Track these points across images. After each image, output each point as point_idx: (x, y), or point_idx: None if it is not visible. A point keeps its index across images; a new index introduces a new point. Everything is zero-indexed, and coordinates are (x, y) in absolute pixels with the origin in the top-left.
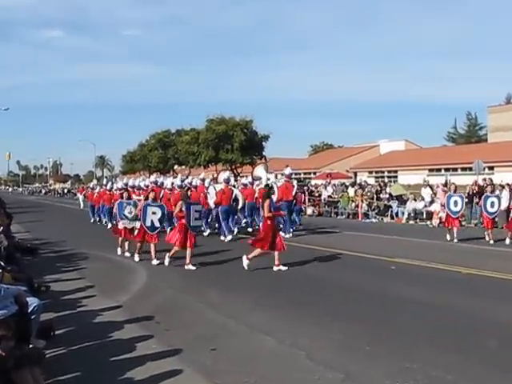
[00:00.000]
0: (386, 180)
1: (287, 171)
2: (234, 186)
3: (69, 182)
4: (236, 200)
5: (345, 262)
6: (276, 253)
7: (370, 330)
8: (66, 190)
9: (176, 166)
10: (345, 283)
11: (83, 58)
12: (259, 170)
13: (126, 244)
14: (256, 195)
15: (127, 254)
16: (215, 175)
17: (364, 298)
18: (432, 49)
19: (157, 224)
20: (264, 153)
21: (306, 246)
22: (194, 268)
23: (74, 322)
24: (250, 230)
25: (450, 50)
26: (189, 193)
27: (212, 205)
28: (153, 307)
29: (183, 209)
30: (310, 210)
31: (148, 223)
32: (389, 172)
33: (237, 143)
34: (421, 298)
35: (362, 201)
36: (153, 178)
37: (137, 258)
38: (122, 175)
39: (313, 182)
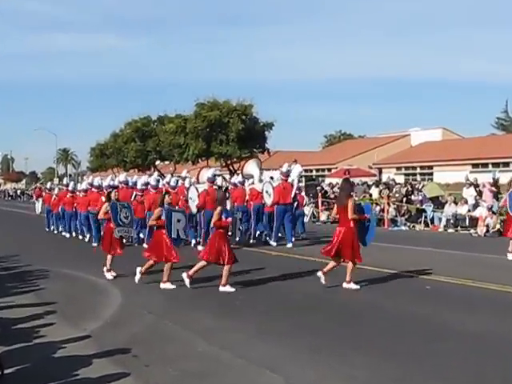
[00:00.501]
0: (419, 178)
1: (284, 168)
2: (221, 187)
3: (23, 182)
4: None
5: (365, 279)
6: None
7: (400, 366)
8: (19, 192)
9: (158, 162)
10: (365, 306)
11: (39, 26)
12: (250, 167)
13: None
14: (247, 197)
15: (112, 275)
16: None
17: (391, 325)
18: (477, 16)
19: (182, 235)
20: (267, 145)
21: (313, 259)
22: (172, 287)
23: (28, 357)
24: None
25: (497, 18)
26: (167, 197)
27: (194, 209)
28: (129, 337)
29: (162, 217)
30: (324, 216)
31: (174, 234)
32: (422, 168)
33: (233, 133)
34: (465, 325)
35: (389, 204)
36: (122, 176)
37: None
38: (90, 173)
39: (327, 181)
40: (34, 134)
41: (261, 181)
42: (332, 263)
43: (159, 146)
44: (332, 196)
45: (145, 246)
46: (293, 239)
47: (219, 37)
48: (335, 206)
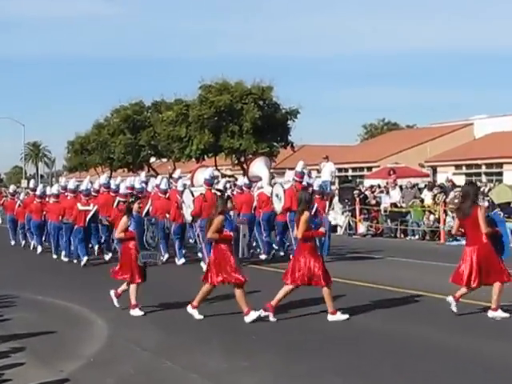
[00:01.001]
0: (484, 179)
1: (299, 167)
2: (222, 191)
3: None
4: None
5: (413, 306)
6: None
7: None
8: None
9: (153, 159)
10: (413, 339)
11: None
12: (257, 167)
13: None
14: (255, 203)
15: (138, 313)
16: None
17: (448, 368)
18: None
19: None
20: (290, 138)
21: (342, 281)
22: (140, 313)
23: None
24: (245, 255)
25: None
26: (136, 205)
27: (188, 217)
28: (117, 380)
29: (130, 228)
30: (362, 227)
31: (243, 253)
32: (488, 166)
33: (248, 122)
34: None
35: (446, 212)
36: (103, 178)
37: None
38: (67, 173)
39: (367, 183)
40: None
41: (271, 184)
42: (464, 289)
43: (154, 139)
44: (373, 202)
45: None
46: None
47: (228, 2)
48: (456, 219)
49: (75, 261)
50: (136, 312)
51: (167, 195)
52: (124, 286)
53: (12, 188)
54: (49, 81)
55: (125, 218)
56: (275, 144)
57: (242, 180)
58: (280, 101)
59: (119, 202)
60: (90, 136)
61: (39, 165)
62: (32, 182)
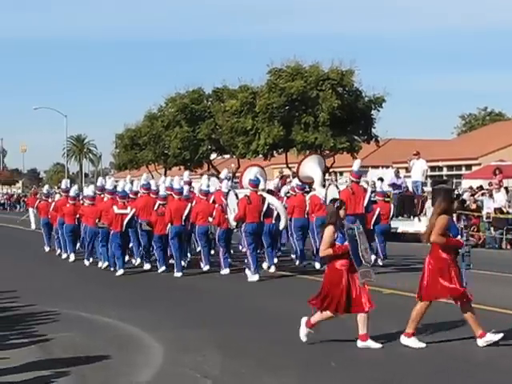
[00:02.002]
0: None
1: (355, 166)
2: (273, 192)
3: (19, 184)
4: (268, 214)
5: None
6: (359, 317)
7: None
8: (14, 197)
9: (214, 156)
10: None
11: None
12: (309, 167)
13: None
14: (307, 208)
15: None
16: (285, 173)
17: None
18: None
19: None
20: (374, 130)
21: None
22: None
23: None
24: (299, 263)
25: None
26: (341, 212)
27: (232, 222)
28: None
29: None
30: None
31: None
32: None
33: (324, 113)
34: None
35: None
36: (144, 178)
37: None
38: (115, 171)
39: (465, 184)
40: (33, 114)
41: (324, 186)
42: None
43: (216, 132)
44: (473, 207)
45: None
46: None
47: None
48: None
49: (112, 269)
50: (372, 344)
51: (212, 197)
52: (319, 316)
53: (46, 188)
54: (94, 66)
55: (330, 229)
56: (356, 138)
57: (294, 181)
58: (362, 87)
59: (160, 205)
60: (141, 129)
61: (83, 162)
62: (64, 182)
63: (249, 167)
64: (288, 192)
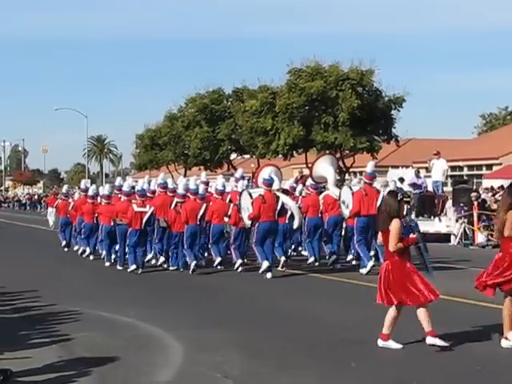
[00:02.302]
0: None
1: (369, 168)
2: (283, 192)
3: (40, 184)
4: (282, 213)
5: None
6: (420, 311)
7: None
8: (35, 197)
9: (234, 156)
10: None
11: None
12: (322, 167)
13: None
14: (321, 207)
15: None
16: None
17: None
18: None
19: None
20: (394, 130)
21: (460, 300)
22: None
23: None
24: (312, 262)
25: None
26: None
27: (247, 222)
28: None
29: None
30: (481, 237)
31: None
32: None
33: (344, 113)
34: None
35: None
36: (161, 177)
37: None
38: (135, 171)
39: (486, 184)
40: (54, 115)
41: (337, 186)
42: None
43: (235, 132)
44: (494, 207)
45: (171, 268)
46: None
47: None
48: None
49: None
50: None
51: (228, 197)
52: (389, 321)
53: (65, 188)
54: (115, 67)
55: (397, 222)
56: (376, 138)
57: (309, 180)
58: (382, 87)
59: (177, 203)
60: (161, 129)
61: (104, 162)
62: (83, 181)
63: (264, 167)
64: (303, 191)
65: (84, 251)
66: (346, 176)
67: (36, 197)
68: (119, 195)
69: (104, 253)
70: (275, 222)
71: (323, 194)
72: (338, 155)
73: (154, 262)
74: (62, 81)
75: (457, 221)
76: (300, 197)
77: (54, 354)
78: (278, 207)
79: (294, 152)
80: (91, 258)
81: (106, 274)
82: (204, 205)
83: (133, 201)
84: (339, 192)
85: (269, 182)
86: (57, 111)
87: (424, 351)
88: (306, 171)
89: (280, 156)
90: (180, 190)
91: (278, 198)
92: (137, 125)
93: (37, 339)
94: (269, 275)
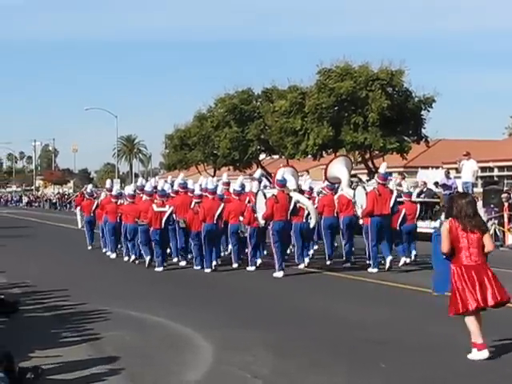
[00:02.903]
0: None
1: (382, 169)
2: (300, 192)
3: (70, 184)
4: (294, 212)
5: None
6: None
7: None
8: (66, 197)
9: (263, 156)
10: None
11: None
12: (336, 168)
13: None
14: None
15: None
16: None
17: None
18: None
19: None
20: (424, 131)
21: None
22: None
23: None
24: (328, 262)
25: None
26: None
27: (261, 221)
28: None
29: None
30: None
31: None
32: None
33: (374, 113)
34: None
35: None
36: (181, 177)
37: None
38: (164, 171)
39: None
40: (85, 115)
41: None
42: None
43: (265, 132)
44: None
45: (196, 268)
46: (405, 260)
47: None
48: None
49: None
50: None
51: (247, 197)
52: (473, 329)
53: (89, 188)
54: (145, 67)
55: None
56: (406, 138)
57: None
58: (412, 87)
59: (196, 203)
60: (190, 129)
61: (133, 162)
62: (108, 181)
63: (281, 168)
64: (320, 192)
65: (111, 250)
66: (375, 178)
67: (66, 196)
68: (141, 195)
69: (124, 250)
70: (288, 221)
71: (338, 195)
72: (368, 155)
73: (175, 260)
74: (93, 80)
75: (487, 222)
76: (317, 197)
77: (83, 352)
78: (291, 207)
79: (324, 152)
80: (113, 256)
81: (133, 273)
82: (222, 204)
83: (155, 200)
84: (353, 192)
85: (281, 183)
86: (87, 111)
87: (457, 352)
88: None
89: (309, 156)
90: (196, 191)
91: (290, 198)
92: (166, 125)
93: (67, 338)
94: (280, 274)
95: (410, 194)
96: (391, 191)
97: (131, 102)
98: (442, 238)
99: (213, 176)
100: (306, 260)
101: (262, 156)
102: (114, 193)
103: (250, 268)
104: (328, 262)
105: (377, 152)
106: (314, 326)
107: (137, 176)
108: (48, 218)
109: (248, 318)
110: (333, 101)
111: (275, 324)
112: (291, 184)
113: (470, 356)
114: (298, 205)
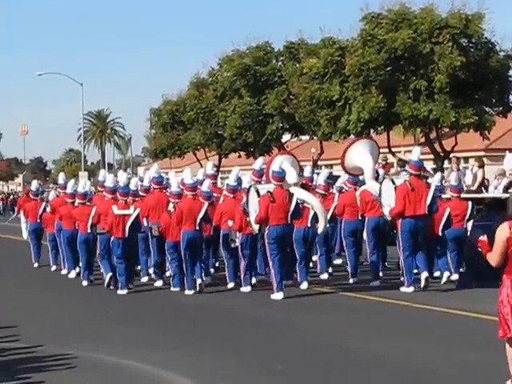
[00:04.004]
0: None
1: (415, 154)
2: (302, 187)
3: (19, 179)
4: (297, 214)
5: None
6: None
7: None
8: (12, 197)
9: (287, 136)
10: None
11: None
12: (357, 153)
13: None
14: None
15: None
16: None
17: None
18: None
19: None
20: None
21: None
22: None
23: None
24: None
25: None
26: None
27: (254, 226)
28: None
29: None
30: None
31: None
32: None
33: (442, 75)
34: None
35: None
36: (155, 170)
37: None
38: (150, 160)
39: None
40: (37, 84)
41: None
42: None
43: (289, 104)
44: None
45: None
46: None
47: None
48: None
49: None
50: None
51: (235, 195)
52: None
53: (34, 185)
54: (121, 19)
55: None
56: (488, 110)
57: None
58: (495, 38)
59: (174, 204)
60: (185, 101)
61: (106, 148)
62: (61, 175)
63: (276, 156)
64: (342, 188)
65: (68, 269)
66: (446, 163)
67: (13, 197)
68: (104, 193)
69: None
70: (288, 226)
71: (359, 191)
72: (434, 134)
73: (144, 279)
74: (48, 38)
75: None
76: (337, 194)
77: None
78: (292, 207)
79: (372, 130)
80: (73, 275)
81: (99, 300)
82: (206, 204)
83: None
84: (379, 187)
85: (279, 176)
86: (41, 77)
87: None
88: (391, 158)
89: (352, 136)
90: (173, 188)
91: (291, 195)
92: (152, 96)
93: None
94: (280, 296)
95: (458, 189)
96: (428, 185)
97: (102, 66)
98: (494, 246)
99: (217, 166)
100: (305, 284)
101: (285, 137)
102: (68, 190)
103: (245, 289)
104: (351, 281)
105: (446, 130)
106: (351, 367)
107: (111, 167)
108: None
109: (270, 362)
110: (384, 58)
111: (302, 368)
112: (291, 177)
113: None
114: (301, 204)
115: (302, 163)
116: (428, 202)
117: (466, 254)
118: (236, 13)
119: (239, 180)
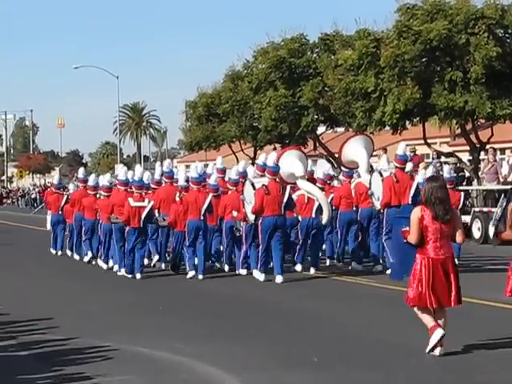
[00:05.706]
0: None
1: (400, 149)
2: (326, 181)
3: (55, 172)
4: (290, 206)
5: None
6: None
7: None
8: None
9: (322, 128)
10: None
11: None
12: (352, 148)
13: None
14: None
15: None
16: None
17: None
18: None
19: None
20: None
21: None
22: None
23: None
24: (357, 267)
25: None
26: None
27: (250, 216)
28: None
29: None
30: None
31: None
32: None
33: (478, 66)
34: None
35: None
36: (166, 164)
37: None
38: (185, 152)
39: None
40: (73, 77)
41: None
42: None
43: (324, 96)
44: None
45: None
46: None
47: None
48: None
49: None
50: None
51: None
52: None
53: (56, 178)
54: (156, 12)
55: None
56: None
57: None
58: None
59: (180, 196)
60: (220, 93)
61: (142, 140)
62: (81, 170)
63: (271, 152)
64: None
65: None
66: (482, 154)
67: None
68: (119, 186)
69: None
70: (281, 216)
71: (354, 183)
72: (470, 126)
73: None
74: (84, 31)
75: None
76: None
77: None
78: (285, 199)
79: (407, 122)
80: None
81: (130, 290)
82: (210, 196)
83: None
84: (369, 179)
85: (273, 170)
86: (77, 70)
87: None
88: (426, 149)
89: (387, 128)
90: (180, 182)
91: (284, 188)
92: (187, 88)
93: None
94: (262, 277)
95: (451, 180)
96: (412, 177)
97: (138, 59)
98: (411, 228)
99: (252, 158)
100: (299, 266)
101: (320, 129)
102: (91, 183)
103: (242, 271)
104: (328, 262)
105: (483, 121)
106: (386, 363)
107: (147, 160)
108: (25, 220)
109: (297, 356)
110: (419, 50)
111: (333, 363)
112: (299, 170)
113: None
114: (295, 197)
115: (337, 155)
116: (411, 193)
117: None
118: (271, 4)
119: (245, 173)
